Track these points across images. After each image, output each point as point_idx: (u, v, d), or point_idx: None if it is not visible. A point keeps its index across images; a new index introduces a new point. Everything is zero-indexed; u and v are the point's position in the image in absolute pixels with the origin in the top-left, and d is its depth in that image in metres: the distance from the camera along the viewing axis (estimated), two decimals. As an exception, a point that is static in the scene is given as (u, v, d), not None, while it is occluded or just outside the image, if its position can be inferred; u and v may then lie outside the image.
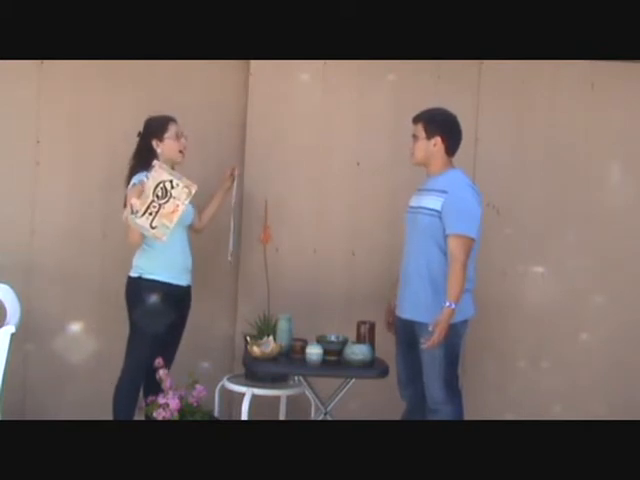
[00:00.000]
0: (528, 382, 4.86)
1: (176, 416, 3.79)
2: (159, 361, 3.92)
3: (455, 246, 3.86)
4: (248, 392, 4.14)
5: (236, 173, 4.42)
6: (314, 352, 4.10)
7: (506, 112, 4.81)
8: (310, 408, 4.40)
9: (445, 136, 3.99)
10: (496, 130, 4.80)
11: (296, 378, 4.33)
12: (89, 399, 4.63)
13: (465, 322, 3.99)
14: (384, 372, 4.13)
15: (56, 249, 4.72)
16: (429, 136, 3.99)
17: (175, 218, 3.97)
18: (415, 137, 4.03)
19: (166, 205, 3.96)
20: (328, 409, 4.21)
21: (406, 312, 4.02)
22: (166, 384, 3.87)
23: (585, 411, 4.72)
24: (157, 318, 4.04)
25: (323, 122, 4.76)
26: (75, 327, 4.72)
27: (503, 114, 4.81)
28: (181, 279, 4.17)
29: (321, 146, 4.76)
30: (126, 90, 4.71)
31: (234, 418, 4.57)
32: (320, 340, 4.19)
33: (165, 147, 4.12)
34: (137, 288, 4.10)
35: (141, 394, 4.15)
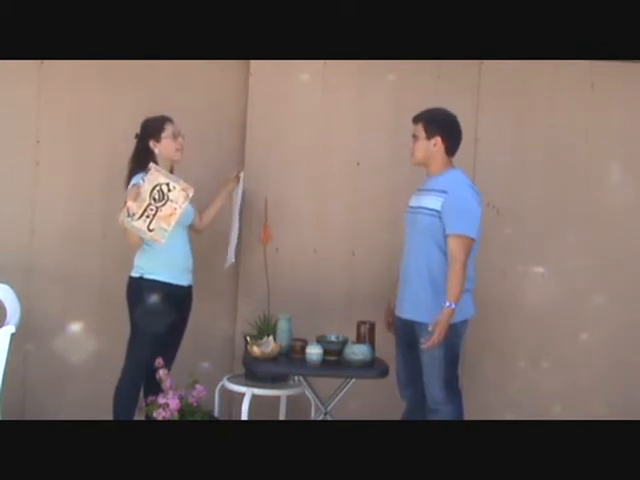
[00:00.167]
0: (528, 382, 4.86)
1: (176, 416, 3.79)
2: (159, 361, 3.92)
3: (455, 246, 3.86)
4: (248, 392, 4.14)
5: (241, 176, 4.43)
6: (314, 352, 4.10)
7: (506, 112, 4.81)
8: (310, 408, 4.40)
9: (445, 136, 3.99)
10: (496, 130, 4.80)
11: (296, 378, 4.33)
12: (89, 399, 4.63)
13: (465, 322, 3.99)
14: (384, 372, 4.13)
15: (56, 249, 4.72)
16: (429, 136, 3.99)
17: (173, 221, 3.98)
18: (415, 137, 4.03)
19: (163, 208, 3.96)
20: (328, 409, 4.21)
21: (406, 312, 4.02)
22: (166, 384, 3.87)
23: (585, 411, 4.71)
24: (158, 318, 4.04)
25: (323, 122, 4.76)
26: (75, 327, 4.72)
27: (503, 114, 4.81)
28: (182, 279, 4.17)
29: (321, 146, 4.76)
30: (126, 90, 4.71)
31: (234, 418, 4.57)
32: (320, 340, 4.19)
33: (163, 147, 4.13)
34: (138, 288, 4.10)
35: (141, 394, 4.15)
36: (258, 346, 4.11)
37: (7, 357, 3.72)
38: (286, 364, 4.17)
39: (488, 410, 4.71)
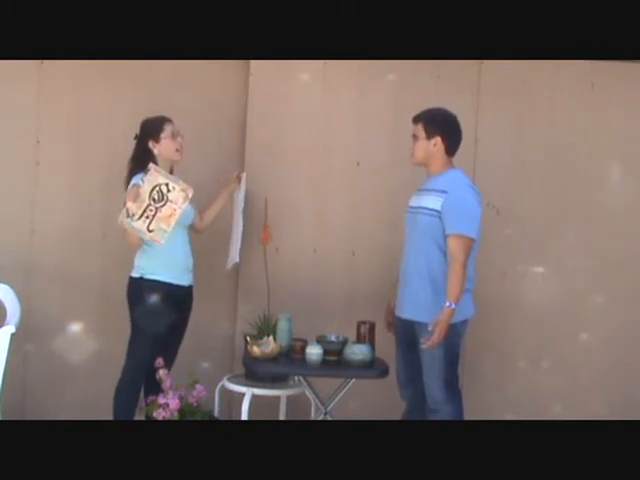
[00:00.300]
0: (528, 382, 4.86)
1: (176, 416, 3.79)
2: (159, 361, 3.92)
3: (455, 246, 3.86)
4: (248, 392, 4.14)
5: (243, 177, 4.43)
6: (314, 352, 4.10)
7: (506, 112, 4.81)
8: (310, 408, 4.40)
9: (445, 136, 3.99)
10: (496, 130, 4.80)
11: (296, 378, 4.33)
12: (89, 399, 4.63)
13: (465, 322, 3.99)
14: (384, 372, 4.13)
15: (56, 249, 4.72)
16: (429, 136, 3.99)
17: (173, 222, 3.97)
18: (415, 137, 4.03)
19: (163, 208, 3.96)
20: (328, 409, 4.21)
21: (406, 312, 4.02)
22: (166, 384, 3.87)
23: (585, 411, 4.71)
24: (158, 318, 4.04)
25: (323, 122, 4.76)
26: (75, 327, 4.72)
27: (503, 114, 4.81)
28: (182, 279, 4.17)
29: (321, 146, 4.76)
30: (126, 90, 4.71)
31: (234, 418, 4.57)
32: (320, 340, 4.19)
33: (162, 147, 4.13)
34: (138, 288, 4.10)
35: (141, 394, 4.15)
36: (258, 346, 4.11)
37: (7, 357, 3.73)
38: (286, 364, 4.17)
39: (488, 410, 4.71)
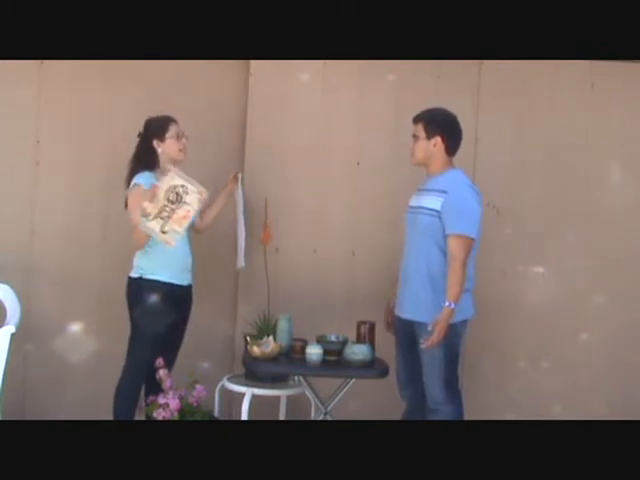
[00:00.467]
0: (528, 382, 4.86)
1: (176, 416, 3.79)
2: (159, 361, 3.92)
3: (455, 246, 3.86)
4: (248, 392, 4.14)
5: (239, 176, 4.43)
6: (314, 352, 4.10)
7: (506, 112, 4.81)
8: (310, 408, 4.40)
9: (445, 136, 3.99)
10: (496, 130, 4.80)
11: (296, 378, 4.33)
12: (89, 399, 4.63)
13: (465, 322, 3.99)
14: (384, 372, 4.13)
15: (56, 249, 4.72)
16: (429, 136, 3.99)
17: (185, 223, 3.97)
18: (415, 137, 4.03)
19: (178, 210, 3.95)
20: (328, 409, 4.21)
21: (406, 312, 4.02)
22: (166, 384, 3.87)
23: (585, 411, 4.71)
24: (158, 318, 4.04)
25: (323, 122, 4.76)
26: (75, 327, 4.72)
27: (503, 114, 4.81)
28: (182, 278, 4.17)
29: (321, 146, 4.76)
30: (126, 90, 4.71)
31: (234, 418, 4.57)
32: (320, 340, 4.19)
33: (166, 147, 4.13)
34: (138, 288, 4.10)
35: (142, 394, 4.15)
36: (258, 346, 4.11)
37: (7, 357, 3.73)
38: (286, 364, 4.17)
39: (488, 410, 4.71)
